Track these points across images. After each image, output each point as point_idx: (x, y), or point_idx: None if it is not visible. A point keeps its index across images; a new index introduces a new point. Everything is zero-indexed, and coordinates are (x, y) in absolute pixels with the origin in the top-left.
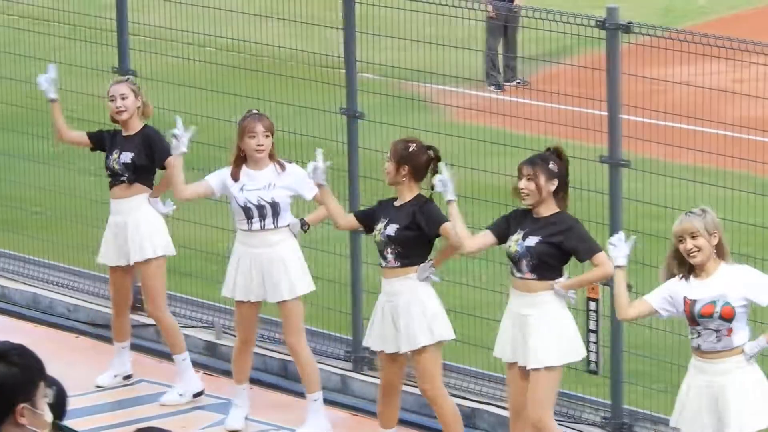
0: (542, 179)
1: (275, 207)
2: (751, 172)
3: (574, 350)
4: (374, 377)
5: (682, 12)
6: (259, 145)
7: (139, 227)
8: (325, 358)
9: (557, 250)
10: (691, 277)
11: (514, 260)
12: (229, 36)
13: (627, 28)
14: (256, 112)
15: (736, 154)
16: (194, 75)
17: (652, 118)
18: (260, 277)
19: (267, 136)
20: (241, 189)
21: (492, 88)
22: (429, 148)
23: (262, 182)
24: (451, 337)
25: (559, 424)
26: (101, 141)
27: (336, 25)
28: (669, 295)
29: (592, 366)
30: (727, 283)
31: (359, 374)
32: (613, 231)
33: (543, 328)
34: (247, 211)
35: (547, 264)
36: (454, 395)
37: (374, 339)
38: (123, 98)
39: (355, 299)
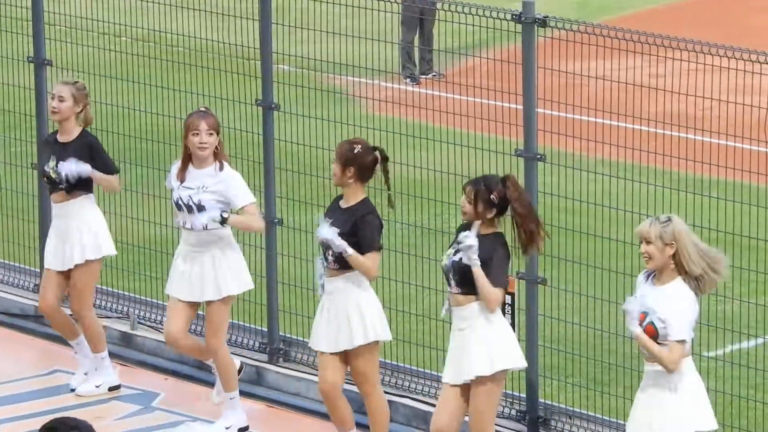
0: (480, 206)
1: (201, 209)
2: (667, 167)
3: (507, 357)
4: (289, 369)
5: (599, 6)
6: (201, 143)
7: (82, 230)
8: (240, 350)
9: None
10: (652, 279)
11: (445, 274)
12: (145, 26)
13: (543, 22)
14: (204, 109)
15: (652, 149)
16: (110, 65)
17: (568, 113)
18: (193, 277)
19: (210, 134)
20: (180, 185)
21: (408, 80)
22: (375, 148)
23: (196, 183)
24: (387, 338)
25: None
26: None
27: (252, 17)
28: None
29: None
30: (663, 300)
31: (274, 366)
32: None
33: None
34: (178, 207)
35: (471, 281)
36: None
37: (316, 338)
38: (60, 100)
39: (269, 291)
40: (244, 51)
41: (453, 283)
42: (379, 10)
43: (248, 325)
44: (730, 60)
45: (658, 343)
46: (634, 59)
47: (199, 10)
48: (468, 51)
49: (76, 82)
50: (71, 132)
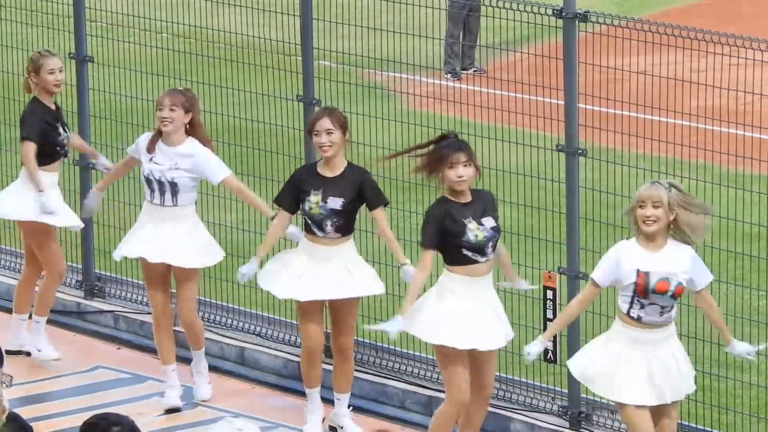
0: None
1: (174, 187)
2: (708, 162)
3: None
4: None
5: (640, 2)
6: (163, 118)
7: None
8: (284, 345)
9: None
10: (640, 247)
11: (480, 247)
12: (186, 23)
13: (584, 17)
14: (181, 89)
15: (694, 144)
16: (151, 62)
17: (609, 108)
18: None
19: (173, 110)
20: (150, 160)
21: (449, 76)
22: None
23: (168, 161)
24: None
25: (517, 413)
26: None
27: (293, 12)
28: (616, 263)
29: (550, 355)
30: (678, 261)
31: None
32: (570, 219)
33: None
34: (149, 183)
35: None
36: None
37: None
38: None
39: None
40: (285, 47)
41: (491, 251)
42: (420, 6)
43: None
44: None
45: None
46: (675, 54)
47: (240, 6)
48: (509, 46)
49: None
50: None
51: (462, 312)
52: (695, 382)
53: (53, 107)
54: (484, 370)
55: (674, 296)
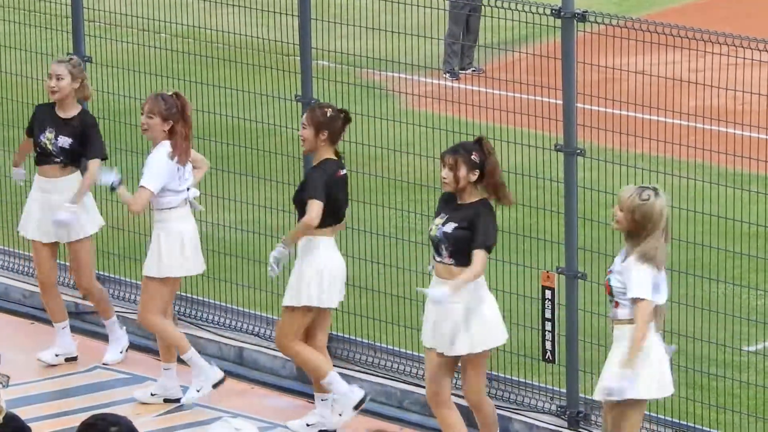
0: (463, 170)
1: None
2: (706, 162)
3: (492, 336)
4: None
5: (638, 1)
6: (141, 124)
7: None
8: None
9: (470, 236)
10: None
11: (435, 244)
12: (185, 23)
13: (582, 17)
14: (162, 93)
15: (692, 144)
16: (149, 62)
17: (608, 107)
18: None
19: (150, 117)
20: None
21: (447, 75)
22: (341, 111)
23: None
24: (313, 305)
25: (515, 413)
26: (34, 122)
27: (291, 12)
28: None
29: (548, 355)
30: (620, 261)
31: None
32: (569, 219)
33: (465, 315)
34: None
35: (464, 250)
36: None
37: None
38: (58, 79)
39: None
40: (284, 47)
41: (446, 253)
42: (418, 5)
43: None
44: None
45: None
46: (674, 54)
47: (239, 6)
48: (508, 46)
49: (71, 58)
50: (70, 109)
51: (426, 309)
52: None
53: (54, 108)
54: (464, 377)
55: (608, 294)
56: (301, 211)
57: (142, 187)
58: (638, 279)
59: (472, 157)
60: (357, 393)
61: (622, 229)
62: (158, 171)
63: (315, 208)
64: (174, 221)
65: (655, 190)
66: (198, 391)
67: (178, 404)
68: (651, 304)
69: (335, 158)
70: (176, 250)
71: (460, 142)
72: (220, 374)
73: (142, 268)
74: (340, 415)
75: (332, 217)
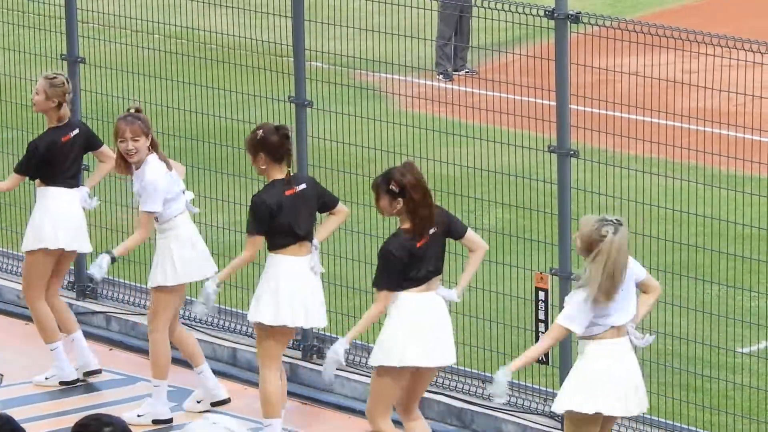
0: (384, 199)
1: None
2: (700, 163)
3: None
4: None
5: (632, 3)
6: (128, 150)
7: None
8: None
9: None
10: None
11: None
12: (178, 24)
13: (576, 18)
14: (132, 111)
15: (686, 145)
16: (143, 63)
17: (601, 109)
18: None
19: (137, 140)
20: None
21: (441, 77)
22: (278, 128)
23: (135, 186)
24: (263, 321)
25: (509, 414)
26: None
27: (285, 14)
28: None
29: (542, 357)
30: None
31: (308, 362)
32: (562, 221)
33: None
34: None
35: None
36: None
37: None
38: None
39: None
40: (277, 48)
41: None
42: (412, 7)
43: None
44: (764, 56)
45: None
46: (667, 55)
47: (232, 7)
48: (501, 47)
49: (55, 77)
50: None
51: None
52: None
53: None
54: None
55: None
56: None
57: (144, 212)
58: (567, 302)
59: (390, 187)
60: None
61: (579, 253)
62: (155, 191)
63: (250, 246)
64: (181, 227)
65: (616, 224)
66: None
67: (176, 404)
68: (562, 330)
69: (282, 177)
70: (190, 253)
71: (386, 170)
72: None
73: (149, 279)
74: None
75: (288, 237)
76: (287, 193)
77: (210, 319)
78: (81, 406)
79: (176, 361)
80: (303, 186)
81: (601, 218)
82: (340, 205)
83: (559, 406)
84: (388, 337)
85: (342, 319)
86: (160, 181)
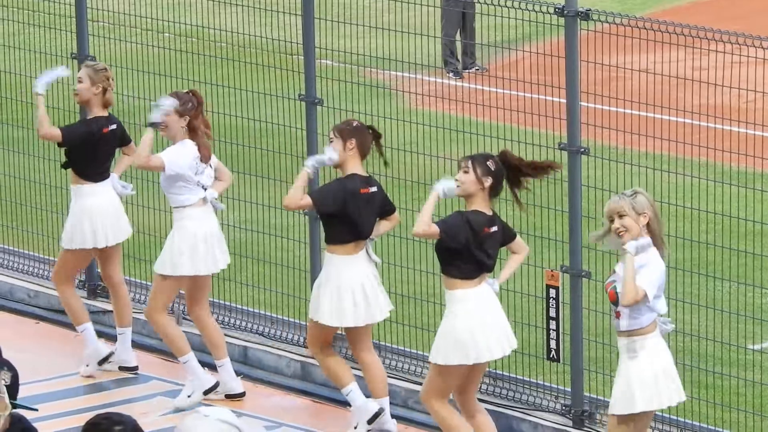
0: (478, 170)
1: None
2: (710, 160)
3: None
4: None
5: None
6: (159, 125)
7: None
8: (287, 345)
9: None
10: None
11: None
12: (188, 22)
13: (586, 15)
14: (174, 92)
15: (696, 142)
16: (153, 61)
17: (612, 106)
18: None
19: (168, 115)
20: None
21: (451, 75)
22: (370, 127)
23: None
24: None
25: (520, 412)
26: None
27: (295, 12)
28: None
29: (553, 354)
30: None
31: None
32: (573, 218)
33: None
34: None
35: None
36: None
37: None
38: (79, 81)
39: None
40: (287, 46)
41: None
42: (421, 4)
43: (293, 320)
44: None
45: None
46: (677, 52)
47: (242, 5)
48: (511, 45)
49: (95, 63)
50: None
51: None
52: (683, 388)
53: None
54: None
55: (611, 300)
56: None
57: (156, 156)
58: (632, 270)
59: (488, 162)
60: (372, 406)
61: (633, 236)
62: (176, 154)
63: (303, 197)
64: (189, 219)
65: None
66: (189, 396)
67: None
68: (641, 293)
69: (362, 173)
70: (188, 248)
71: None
72: (213, 380)
73: (154, 265)
74: (354, 428)
75: (350, 233)
76: (362, 191)
77: (221, 317)
78: (92, 404)
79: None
80: (375, 189)
81: (619, 194)
82: (396, 213)
83: (625, 407)
84: (457, 334)
85: None
86: (181, 151)
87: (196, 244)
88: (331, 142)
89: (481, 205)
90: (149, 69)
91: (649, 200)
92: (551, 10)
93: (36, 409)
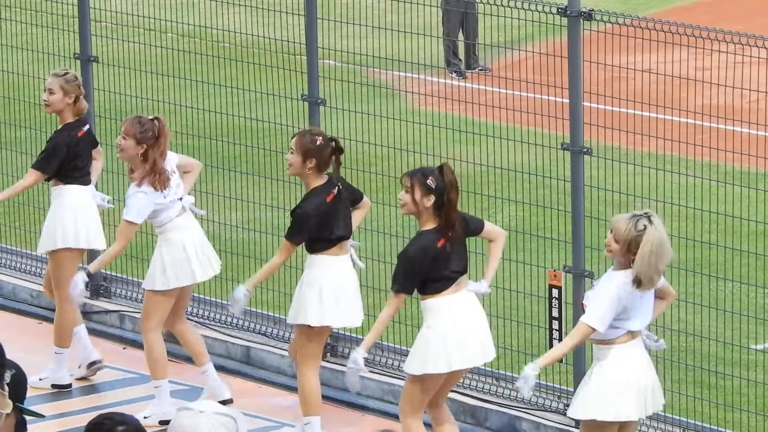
0: (418, 192)
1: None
2: (713, 160)
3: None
4: (335, 363)
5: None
6: (117, 144)
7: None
8: (280, 342)
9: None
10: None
11: None
12: (191, 22)
13: (589, 16)
14: (138, 116)
15: (699, 142)
16: (156, 62)
17: (614, 106)
18: None
19: (124, 138)
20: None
21: (454, 75)
22: (332, 139)
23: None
24: (311, 323)
25: (523, 412)
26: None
27: (298, 12)
28: None
29: None
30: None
31: (322, 361)
32: (575, 218)
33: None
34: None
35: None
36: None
37: None
38: (50, 93)
39: None
40: (290, 46)
41: None
42: (425, 5)
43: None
44: None
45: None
46: (680, 52)
47: (245, 5)
48: (514, 45)
49: (66, 73)
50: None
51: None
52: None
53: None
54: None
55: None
56: None
57: (125, 221)
58: (592, 298)
59: (428, 181)
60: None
61: (616, 256)
62: (138, 204)
63: (285, 251)
64: (173, 231)
65: (648, 217)
66: (145, 417)
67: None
68: (589, 330)
69: (324, 183)
70: (181, 258)
71: (421, 167)
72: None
73: (144, 280)
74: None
75: (327, 242)
76: (328, 199)
77: (224, 317)
78: (94, 405)
79: (188, 359)
80: (337, 188)
81: (631, 215)
82: (365, 198)
83: (576, 413)
84: (429, 345)
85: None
86: (145, 198)
87: (187, 253)
88: (292, 153)
89: (429, 222)
90: (152, 69)
91: (651, 234)
92: (554, 10)
93: (43, 416)
